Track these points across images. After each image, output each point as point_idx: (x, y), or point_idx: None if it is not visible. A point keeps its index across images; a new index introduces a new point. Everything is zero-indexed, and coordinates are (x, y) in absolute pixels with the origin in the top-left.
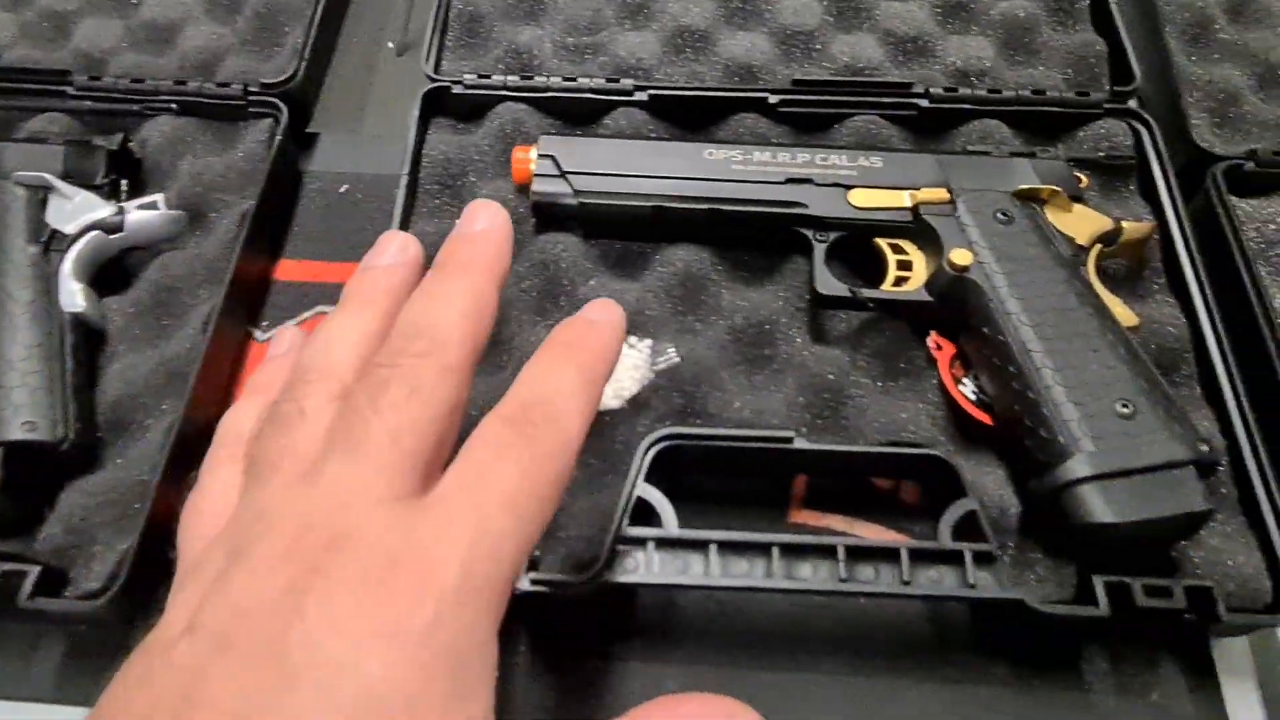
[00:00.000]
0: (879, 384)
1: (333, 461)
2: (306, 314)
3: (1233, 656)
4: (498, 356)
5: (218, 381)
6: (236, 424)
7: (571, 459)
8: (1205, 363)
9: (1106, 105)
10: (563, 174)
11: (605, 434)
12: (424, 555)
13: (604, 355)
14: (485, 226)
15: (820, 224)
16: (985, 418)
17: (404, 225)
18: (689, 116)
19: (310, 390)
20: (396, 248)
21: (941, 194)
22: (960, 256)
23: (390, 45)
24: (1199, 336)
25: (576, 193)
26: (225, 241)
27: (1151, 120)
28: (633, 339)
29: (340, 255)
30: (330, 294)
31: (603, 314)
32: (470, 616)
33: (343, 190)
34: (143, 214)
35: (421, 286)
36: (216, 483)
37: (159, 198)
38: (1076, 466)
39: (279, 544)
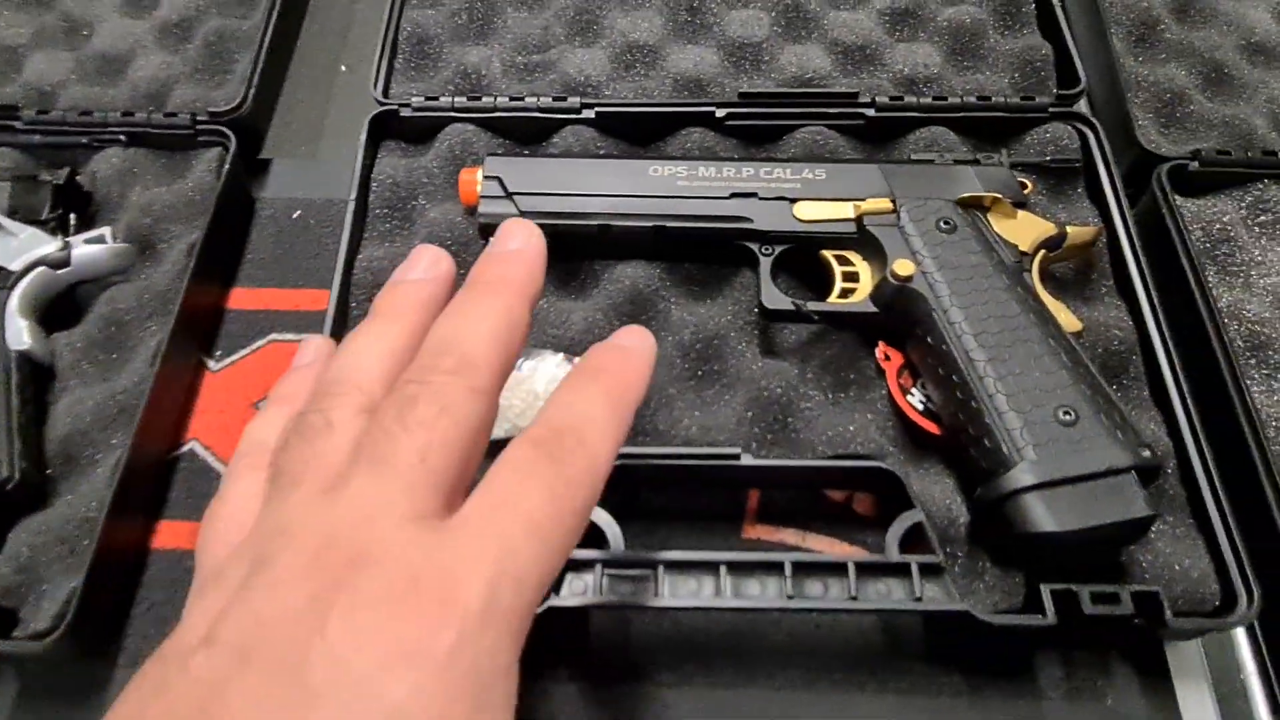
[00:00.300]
0: (828, 396)
1: (358, 476)
2: (260, 342)
3: (1186, 659)
4: None
5: (168, 414)
6: (260, 433)
7: (599, 485)
8: (1152, 365)
9: (1052, 109)
10: (509, 195)
11: None
12: (448, 576)
13: (635, 383)
14: (519, 246)
15: (765, 238)
16: (933, 427)
17: (352, 252)
18: (637, 132)
19: (337, 402)
20: (427, 262)
21: (885, 204)
22: (903, 267)
23: (344, 68)
24: (1145, 339)
25: (522, 213)
26: (175, 273)
27: (1096, 123)
28: (576, 360)
29: (293, 282)
30: (284, 321)
31: (634, 340)
32: (493, 641)
33: (295, 216)
34: (89, 248)
35: (453, 304)
36: (237, 491)
37: (106, 231)
38: (1019, 475)
39: (301, 557)
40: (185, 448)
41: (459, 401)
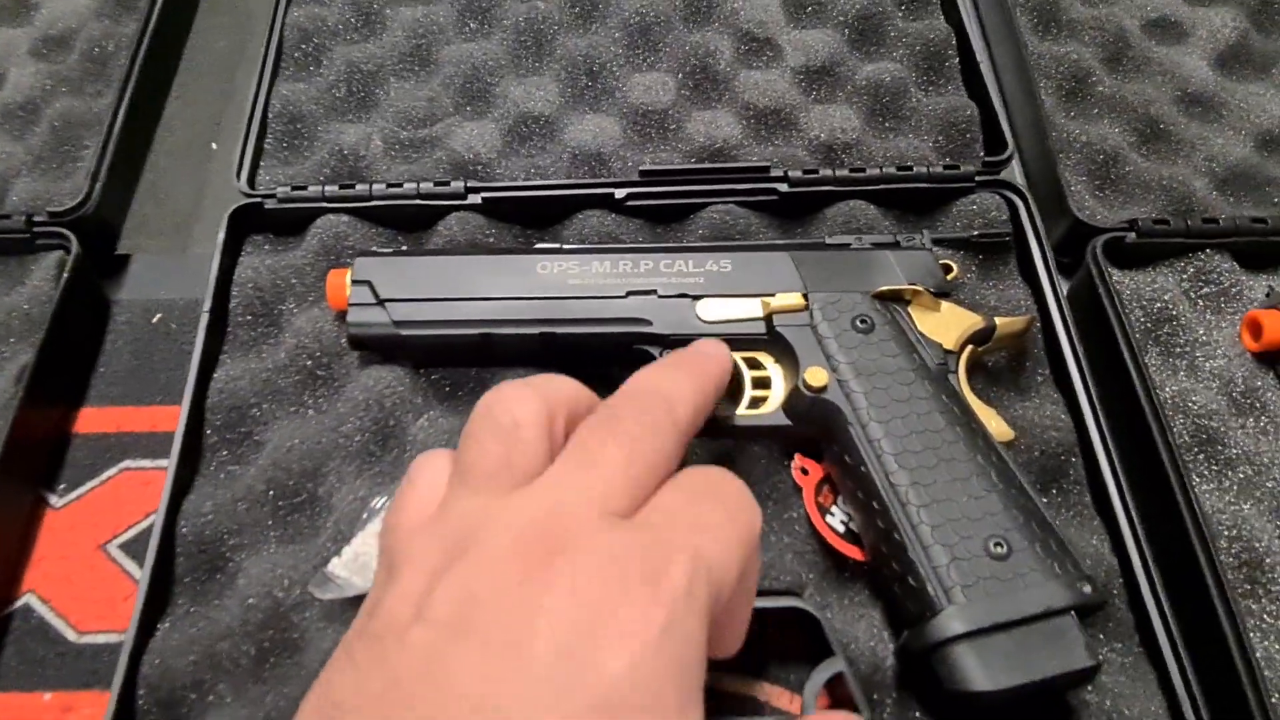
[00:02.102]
0: None
1: (561, 474)
2: (110, 471)
3: None
4: (314, 515)
5: (3, 554)
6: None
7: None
8: (1093, 468)
9: (979, 177)
10: (380, 302)
11: None
12: (653, 564)
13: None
14: (715, 352)
15: (666, 341)
16: (856, 552)
17: (206, 369)
18: (529, 217)
19: (524, 401)
20: None
21: (796, 300)
22: (815, 376)
23: (214, 146)
24: (1085, 439)
25: (395, 323)
26: (4, 400)
27: (1026, 192)
28: None
29: (151, 398)
30: (139, 446)
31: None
32: (695, 624)
33: (155, 320)
34: None
35: (653, 365)
36: (426, 479)
37: None
38: (947, 623)
39: (505, 542)
40: (19, 603)
41: (663, 429)
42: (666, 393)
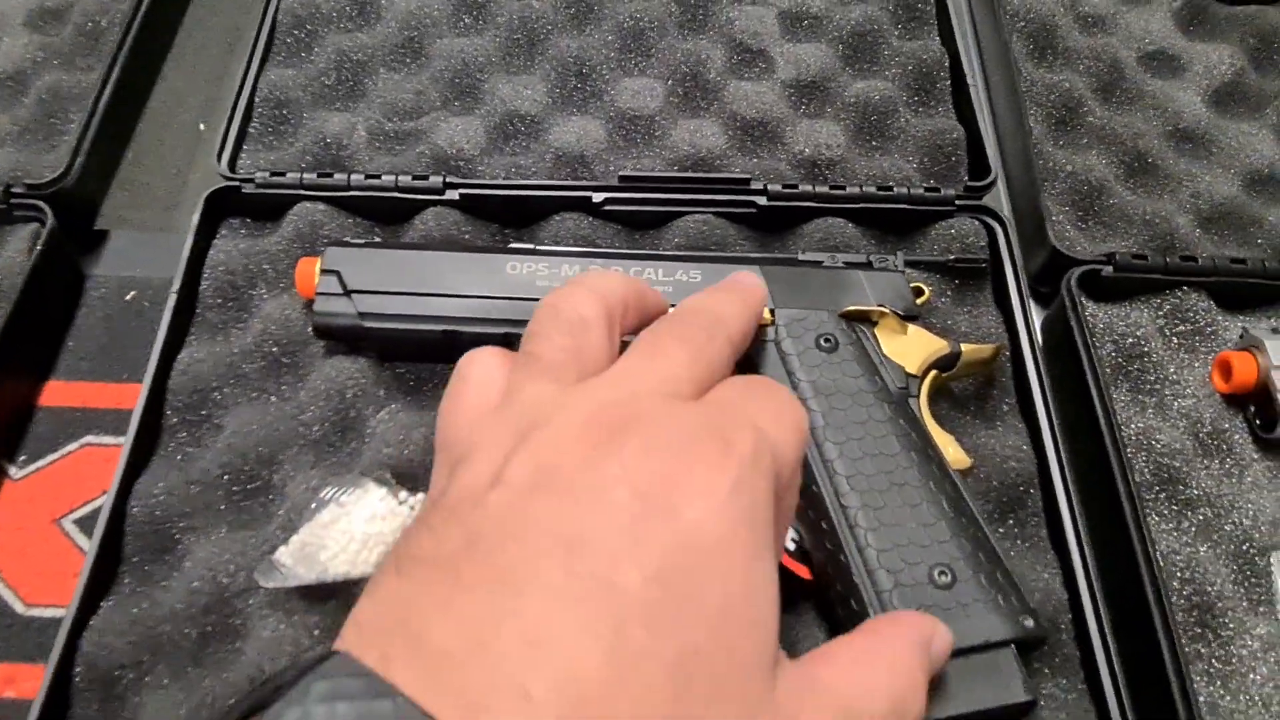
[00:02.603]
0: None
1: (630, 364)
2: (72, 445)
3: None
4: (267, 502)
5: None
6: None
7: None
8: (1050, 502)
9: (959, 201)
10: (347, 293)
11: None
12: (721, 432)
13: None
14: (754, 281)
15: None
16: (804, 571)
17: (171, 349)
18: (505, 216)
19: (589, 301)
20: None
21: (763, 316)
22: None
23: (203, 127)
24: (1045, 472)
25: (361, 314)
26: None
27: (1006, 219)
28: (402, 493)
29: (118, 375)
30: (103, 422)
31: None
32: (762, 489)
33: (129, 298)
34: None
35: (702, 290)
36: (477, 374)
37: None
38: None
39: (577, 419)
40: None
41: (719, 339)
42: (720, 312)
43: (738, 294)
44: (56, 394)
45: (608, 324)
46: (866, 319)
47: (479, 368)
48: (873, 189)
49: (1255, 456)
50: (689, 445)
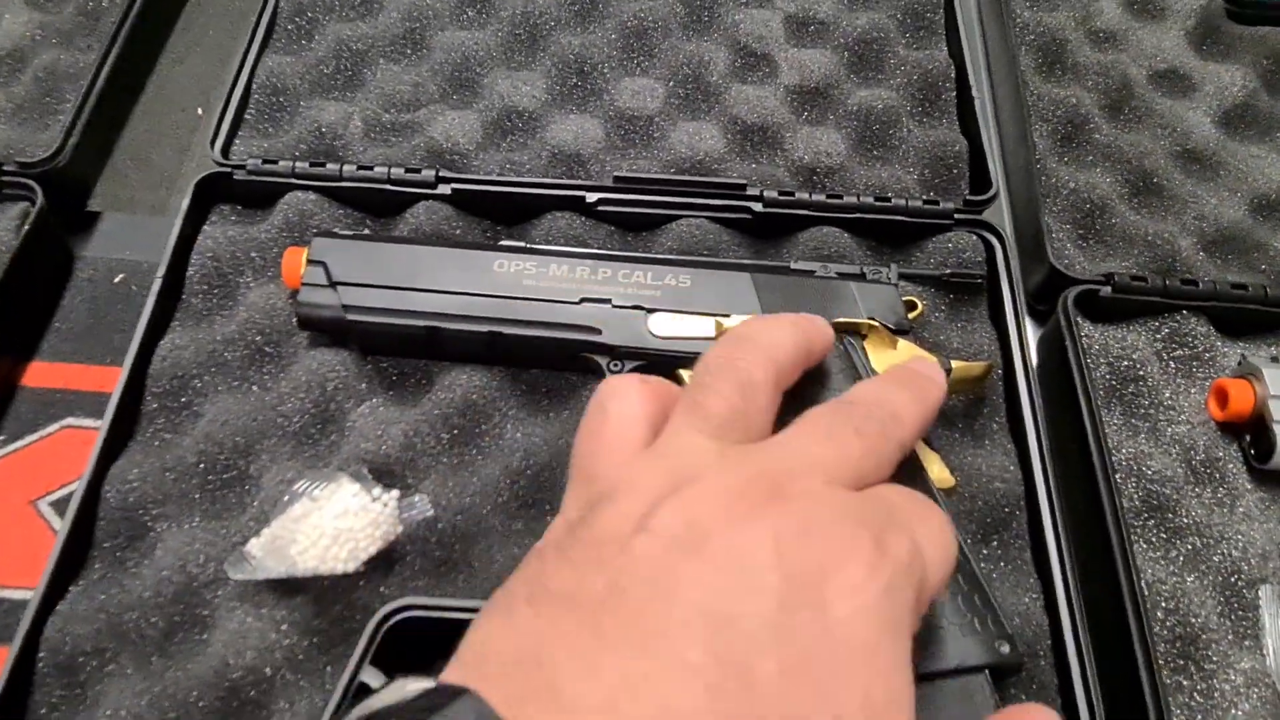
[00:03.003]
0: None
1: (794, 438)
2: (52, 427)
3: None
4: (242, 493)
5: None
6: None
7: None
8: (1036, 525)
9: (958, 215)
10: (332, 284)
11: (340, 600)
12: (880, 530)
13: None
14: (935, 376)
15: (614, 353)
16: None
17: (154, 333)
18: (498, 212)
19: (763, 365)
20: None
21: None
22: None
23: (201, 111)
24: (1031, 494)
25: (345, 306)
26: None
27: (1005, 234)
28: (376, 490)
29: (102, 358)
30: (84, 404)
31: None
32: (910, 599)
33: (117, 281)
34: None
35: (884, 376)
36: (618, 409)
37: None
38: None
39: (734, 480)
40: None
41: (890, 437)
42: (899, 412)
43: (915, 392)
44: (39, 375)
45: (775, 389)
46: (856, 331)
47: (621, 403)
48: (870, 199)
49: (1248, 487)
50: (845, 537)
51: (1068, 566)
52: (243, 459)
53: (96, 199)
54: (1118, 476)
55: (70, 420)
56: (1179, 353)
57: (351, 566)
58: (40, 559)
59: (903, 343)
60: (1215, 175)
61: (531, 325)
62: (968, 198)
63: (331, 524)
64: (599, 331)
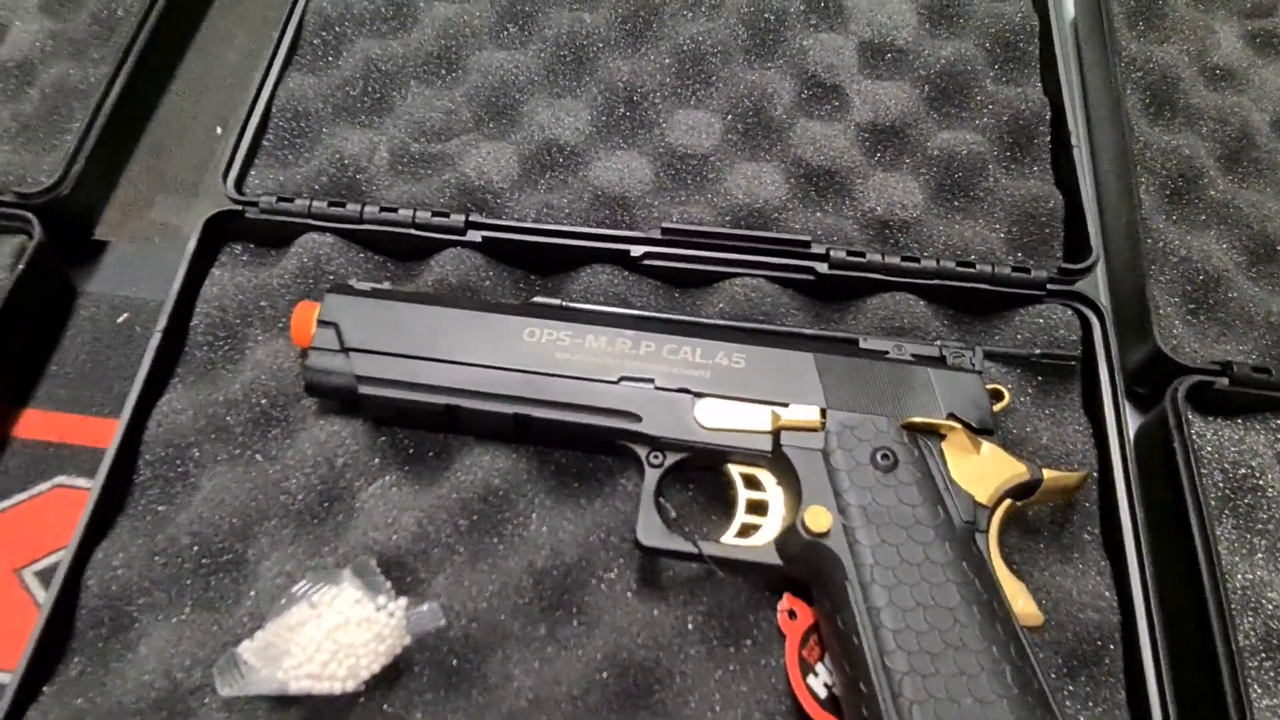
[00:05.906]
0: (712, 655)
1: None
2: (44, 485)
3: None
4: (236, 580)
5: None
6: None
7: None
8: (1134, 663)
9: (1050, 285)
10: (345, 350)
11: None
12: None
13: None
14: None
15: (656, 444)
16: None
17: (151, 393)
18: (531, 263)
19: None
20: None
21: (812, 418)
22: (817, 518)
23: (220, 130)
24: (1130, 625)
25: (358, 377)
26: None
27: (1105, 309)
28: (381, 598)
29: (99, 408)
30: (78, 460)
31: None
32: None
33: (120, 320)
34: None
35: None
36: None
37: None
38: None
39: None
40: None
41: None
42: None
43: None
44: (33, 425)
45: None
46: (934, 432)
47: None
48: (951, 264)
49: None
50: None
51: (1171, 716)
52: (240, 542)
53: (103, 225)
54: (1233, 608)
55: (62, 478)
56: None
57: (351, 685)
58: (21, 636)
59: (987, 446)
60: None
61: (563, 408)
62: (1063, 265)
63: (330, 637)
64: (639, 419)
